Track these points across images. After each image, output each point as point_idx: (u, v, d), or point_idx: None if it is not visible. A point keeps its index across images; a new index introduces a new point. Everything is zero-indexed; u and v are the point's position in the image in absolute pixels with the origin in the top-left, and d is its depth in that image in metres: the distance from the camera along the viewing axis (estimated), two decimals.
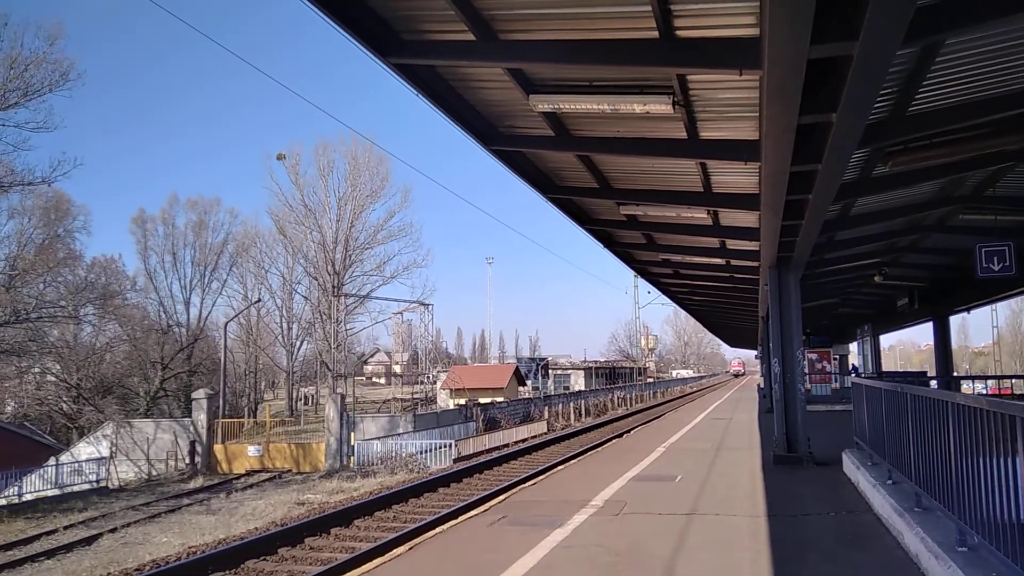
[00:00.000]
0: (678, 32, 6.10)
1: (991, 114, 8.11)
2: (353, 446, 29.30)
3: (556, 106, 7.89)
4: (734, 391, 55.37)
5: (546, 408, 42.49)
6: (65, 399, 40.06)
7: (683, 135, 8.82)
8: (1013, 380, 30.86)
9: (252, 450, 32.09)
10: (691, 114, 8.17)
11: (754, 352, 56.05)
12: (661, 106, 7.44)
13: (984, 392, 24.65)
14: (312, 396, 64.35)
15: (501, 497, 10.79)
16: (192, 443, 32.65)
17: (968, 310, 25.35)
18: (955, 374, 30.54)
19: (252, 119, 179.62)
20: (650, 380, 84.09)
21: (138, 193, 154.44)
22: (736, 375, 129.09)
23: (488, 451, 26.92)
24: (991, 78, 7.45)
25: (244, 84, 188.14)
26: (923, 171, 10.17)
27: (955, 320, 26.73)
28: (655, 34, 6.11)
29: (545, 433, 33.75)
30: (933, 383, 22.61)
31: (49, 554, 15.59)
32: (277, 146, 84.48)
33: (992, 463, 4.18)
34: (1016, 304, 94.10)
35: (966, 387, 29.87)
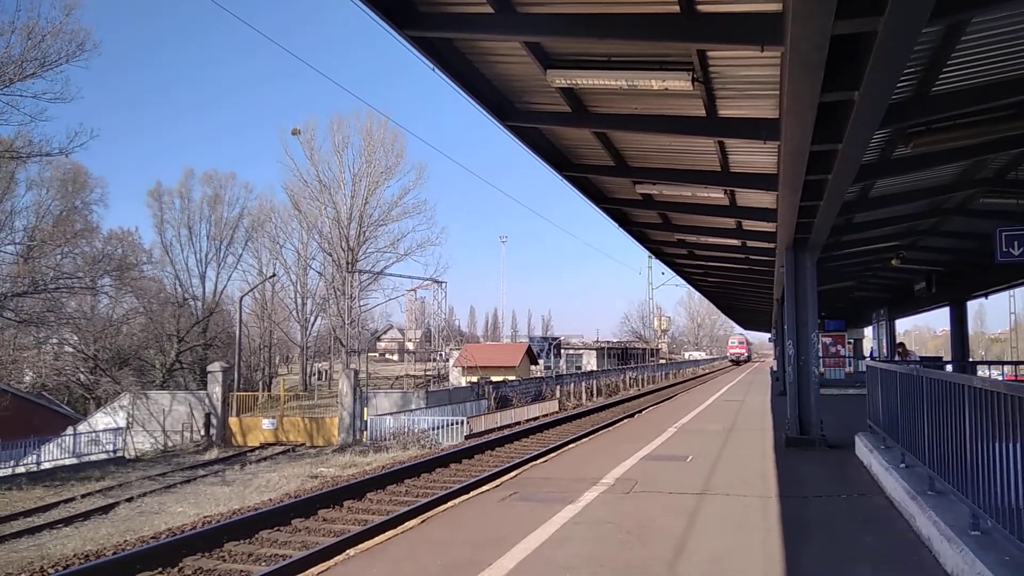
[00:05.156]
0: (699, 7, 6.01)
1: (1016, 95, 7.94)
2: (366, 421, 29.53)
3: (573, 81, 7.80)
4: (747, 373, 55.24)
5: (558, 387, 42.58)
6: (82, 370, 40.69)
7: (701, 113, 8.72)
8: None
9: (266, 423, 32.47)
10: (710, 91, 8.06)
11: (768, 335, 55.74)
12: (680, 83, 7.35)
13: (1000, 378, 24.44)
14: (326, 371, 64.81)
15: (512, 473, 10.85)
16: (207, 415, 33.06)
17: (986, 295, 25.02)
18: (971, 360, 30.22)
19: (268, 97, 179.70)
20: (662, 361, 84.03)
21: (154, 168, 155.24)
22: (736, 361, 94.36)
23: (500, 428, 27.04)
24: (1017, 58, 7.30)
25: (260, 62, 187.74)
26: (945, 153, 10.01)
27: (971, 306, 26.60)
28: (676, 9, 6.02)
29: (556, 412, 33.83)
30: (949, 368, 22.43)
31: (67, 521, 15.83)
32: (292, 123, 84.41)
33: (1008, 447, 4.14)
34: None
35: (982, 372, 29.58)
